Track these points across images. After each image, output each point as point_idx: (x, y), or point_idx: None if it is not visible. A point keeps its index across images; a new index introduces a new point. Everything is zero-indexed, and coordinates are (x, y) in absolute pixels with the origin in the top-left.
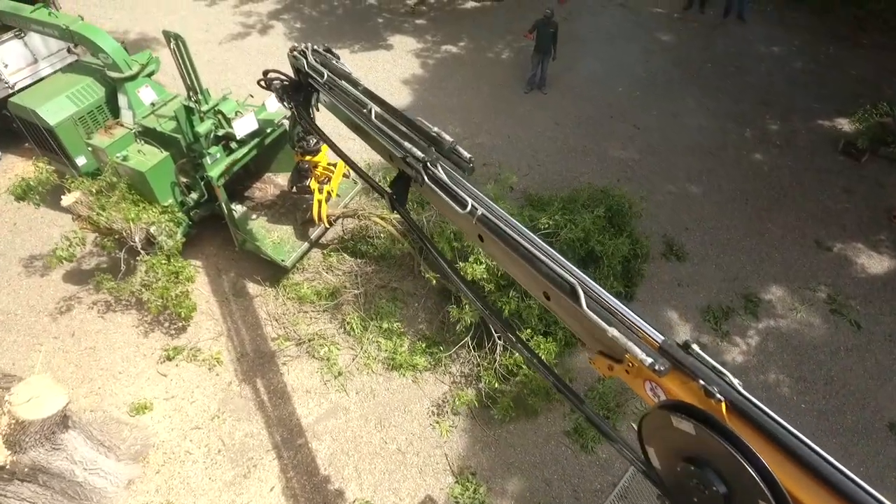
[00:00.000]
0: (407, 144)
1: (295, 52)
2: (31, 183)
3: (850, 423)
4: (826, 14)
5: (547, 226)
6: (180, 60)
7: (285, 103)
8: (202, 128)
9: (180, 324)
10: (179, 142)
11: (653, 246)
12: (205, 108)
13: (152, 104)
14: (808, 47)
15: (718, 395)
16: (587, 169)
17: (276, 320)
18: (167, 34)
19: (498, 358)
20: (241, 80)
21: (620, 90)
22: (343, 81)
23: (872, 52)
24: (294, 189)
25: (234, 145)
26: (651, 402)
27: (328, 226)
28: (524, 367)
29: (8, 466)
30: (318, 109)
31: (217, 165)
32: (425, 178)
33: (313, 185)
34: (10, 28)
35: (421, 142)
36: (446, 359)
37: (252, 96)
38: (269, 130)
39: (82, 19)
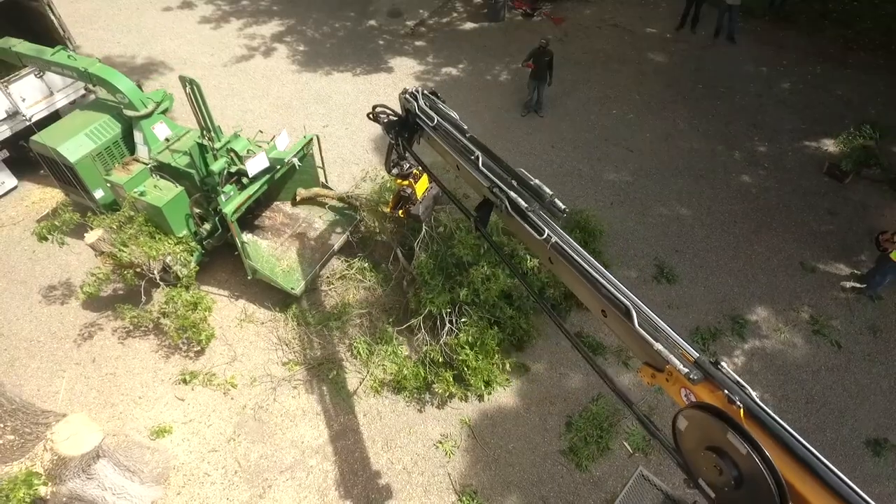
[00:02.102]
0: (512, 194)
1: (406, 95)
2: (56, 223)
3: (829, 439)
4: (815, 34)
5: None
6: (195, 103)
7: (390, 135)
8: (216, 166)
9: (196, 349)
10: (193, 176)
11: (644, 269)
12: (217, 145)
13: (167, 139)
14: (796, 67)
15: (738, 403)
16: (582, 192)
17: (287, 345)
18: (183, 79)
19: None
20: (247, 104)
21: (615, 112)
22: (448, 125)
23: (858, 72)
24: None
25: (245, 181)
26: (684, 405)
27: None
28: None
29: (49, 498)
30: (419, 143)
31: (231, 202)
32: (509, 207)
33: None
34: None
35: (524, 192)
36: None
37: (262, 132)
38: (278, 167)
39: (100, 61)
